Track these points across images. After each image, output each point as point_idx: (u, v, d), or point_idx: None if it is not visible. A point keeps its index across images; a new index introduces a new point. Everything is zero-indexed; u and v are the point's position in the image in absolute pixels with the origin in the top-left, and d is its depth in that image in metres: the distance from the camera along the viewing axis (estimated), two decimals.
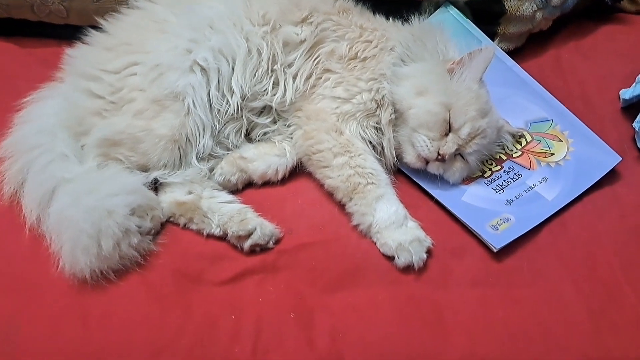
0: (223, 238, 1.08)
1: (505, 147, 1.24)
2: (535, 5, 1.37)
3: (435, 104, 1.11)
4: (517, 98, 1.29)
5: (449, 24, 1.31)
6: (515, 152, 1.24)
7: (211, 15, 1.17)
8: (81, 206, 1.00)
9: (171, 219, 1.11)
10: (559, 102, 1.28)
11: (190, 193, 1.12)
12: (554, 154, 1.23)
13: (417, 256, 1.04)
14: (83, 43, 1.21)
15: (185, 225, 1.10)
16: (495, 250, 1.07)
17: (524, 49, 1.45)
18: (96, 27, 1.22)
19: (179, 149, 1.12)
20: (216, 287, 1.03)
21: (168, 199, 1.12)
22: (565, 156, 1.23)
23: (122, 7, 1.26)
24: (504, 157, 1.23)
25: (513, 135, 1.24)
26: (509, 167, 1.22)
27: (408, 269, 1.05)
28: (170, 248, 1.06)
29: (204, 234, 1.08)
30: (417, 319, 1.01)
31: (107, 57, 1.16)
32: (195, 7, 1.18)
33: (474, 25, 1.33)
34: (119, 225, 0.99)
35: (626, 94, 1.30)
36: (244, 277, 1.04)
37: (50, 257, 1.01)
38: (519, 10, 1.36)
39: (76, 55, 1.21)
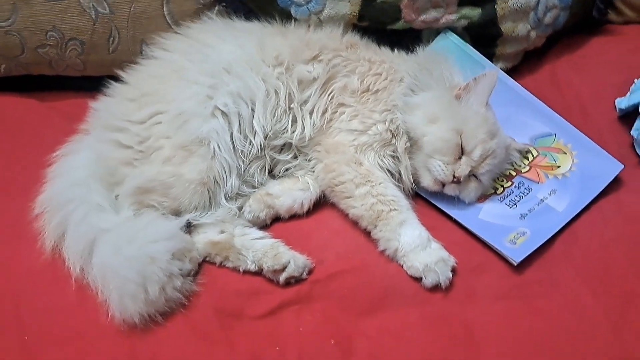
0: (259, 273, 1.13)
1: (514, 164, 1.30)
2: (529, 26, 1.45)
3: (447, 130, 1.18)
4: (520, 116, 1.35)
5: (450, 49, 1.38)
6: (524, 168, 1.30)
7: (228, 59, 1.23)
8: (123, 255, 1.06)
9: (207, 259, 1.16)
10: (560, 117, 1.35)
11: (222, 232, 1.17)
12: (559, 166, 1.30)
13: (443, 276, 1.10)
14: (105, 95, 1.27)
15: (221, 263, 1.15)
16: (515, 264, 1.13)
17: (520, 67, 1.53)
18: (115, 78, 1.28)
19: (208, 191, 1.17)
20: (257, 321, 1.08)
21: (202, 239, 1.16)
22: (570, 168, 1.29)
23: (138, 57, 1.33)
24: (514, 173, 1.30)
25: (520, 152, 1.30)
26: (519, 183, 1.28)
27: (435, 288, 1.10)
28: (210, 287, 1.11)
29: (240, 270, 1.13)
30: (448, 336, 1.06)
31: (131, 107, 1.22)
32: (210, 53, 1.24)
33: (474, 49, 1.40)
34: (162, 271, 1.04)
35: (622, 103, 1.38)
36: (282, 309, 1.09)
37: (98, 306, 1.06)
38: (514, 31, 1.44)
39: (100, 108, 1.27)
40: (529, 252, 1.14)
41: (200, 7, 1.41)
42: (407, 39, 1.37)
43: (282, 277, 1.11)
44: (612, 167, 1.27)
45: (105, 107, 1.26)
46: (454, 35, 1.42)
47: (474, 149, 1.18)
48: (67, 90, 1.49)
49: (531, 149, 1.32)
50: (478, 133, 1.18)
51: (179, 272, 1.08)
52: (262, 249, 1.13)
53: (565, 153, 1.32)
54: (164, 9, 1.40)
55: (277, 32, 1.31)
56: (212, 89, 1.20)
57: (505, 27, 1.43)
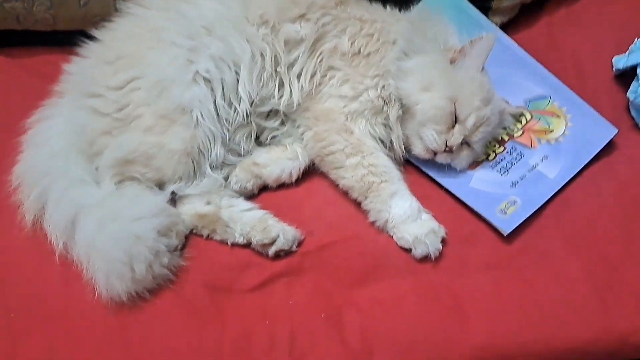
0: (247, 246, 1.11)
1: (507, 128, 1.27)
2: None
3: (441, 98, 1.13)
4: (515, 77, 1.31)
5: (445, 4, 1.31)
6: (517, 132, 1.27)
7: (209, 17, 1.15)
8: (108, 234, 1.02)
9: (194, 231, 1.13)
10: (556, 78, 1.31)
11: (208, 203, 1.14)
12: (552, 130, 1.27)
13: (433, 247, 1.09)
14: (79, 56, 1.19)
15: (208, 236, 1.12)
16: (505, 235, 1.13)
17: (516, 20, 1.46)
18: (87, 35, 1.20)
19: (193, 161, 1.13)
20: (247, 294, 1.07)
21: (188, 210, 1.13)
22: (564, 132, 1.26)
23: (111, 12, 1.24)
24: (506, 138, 1.27)
25: (514, 116, 1.27)
26: (512, 148, 1.25)
27: (425, 259, 1.10)
28: (198, 261, 1.10)
29: (229, 243, 1.11)
30: (438, 307, 1.07)
31: (107, 71, 1.14)
32: (189, 10, 1.16)
33: (469, 4, 1.33)
34: (149, 249, 1.02)
35: (620, 62, 1.33)
36: (273, 282, 1.08)
37: (84, 283, 1.04)
38: None
39: (74, 71, 1.19)
40: (519, 223, 1.13)
41: None
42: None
43: (272, 251, 1.09)
44: (606, 132, 1.24)
45: (79, 71, 1.18)
46: None
47: (468, 117, 1.15)
48: (37, 46, 1.39)
49: (525, 112, 1.29)
50: (472, 101, 1.14)
51: (166, 249, 1.05)
52: (250, 222, 1.11)
53: (559, 117, 1.29)
54: None
55: None
56: (192, 52, 1.13)
57: None
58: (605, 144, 1.23)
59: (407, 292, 1.08)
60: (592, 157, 1.22)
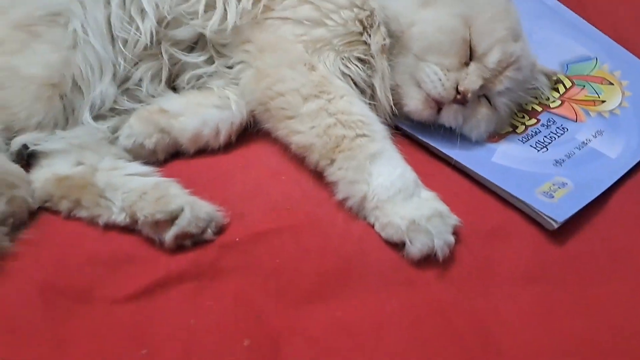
0: (131, 228, 0.70)
1: (540, 95, 0.91)
2: None
3: (449, 15, 0.81)
4: (547, 33, 1.00)
5: None
6: (553, 102, 0.91)
7: None
8: None
9: (47, 204, 0.73)
10: (602, 33, 1.00)
11: (79, 164, 0.75)
12: (604, 100, 0.94)
13: (440, 239, 0.69)
14: None
15: (70, 212, 0.73)
16: (555, 227, 0.73)
17: None
18: None
19: (62, 98, 0.77)
20: (118, 305, 0.65)
21: (44, 175, 0.74)
22: (621, 103, 0.94)
23: None
24: (539, 109, 0.90)
25: (548, 78, 0.91)
26: (548, 120, 0.90)
27: (427, 260, 0.70)
28: (41, 248, 0.69)
29: (100, 223, 0.72)
30: (445, 336, 0.65)
31: None
32: None
33: None
34: None
35: None
36: (165, 288, 0.67)
37: None
38: None
39: None
40: (576, 210, 0.76)
41: None
42: None
43: (170, 235, 0.69)
44: None
45: None
46: None
47: (490, 50, 0.80)
48: None
49: (562, 77, 0.93)
50: (496, 27, 0.81)
51: None
52: (139, 189, 0.72)
53: (612, 84, 0.96)
54: None
55: None
56: None
57: None
58: None
59: (395, 314, 0.67)
60: None
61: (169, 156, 0.81)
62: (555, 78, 0.94)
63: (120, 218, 0.70)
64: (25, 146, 0.75)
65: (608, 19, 1.09)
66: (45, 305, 0.63)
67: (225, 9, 0.81)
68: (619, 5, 1.12)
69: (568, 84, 0.95)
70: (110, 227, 0.71)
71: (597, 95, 0.94)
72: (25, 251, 0.67)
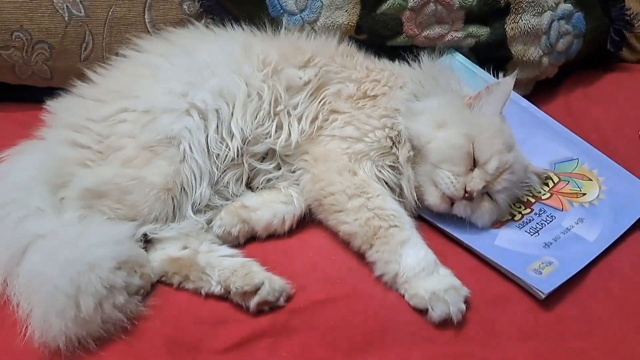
0: (225, 297, 0.92)
1: (533, 189, 1.13)
2: (540, 51, 1.33)
3: (457, 135, 1.02)
4: (537, 138, 1.20)
5: (457, 69, 1.25)
6: (544, 194, 1.13)
7: (208, 60, 1.09)
8: (58, 260, 0.85)
9: (163, 279, 0.95)
10: (582, 140, 1.20)
11: (185, 248, 0.97)
12: (585, 193, 1.13)
13: (454, 307, 0.89)
14: (66, 95, 1.12)
15: (180, 284, 0.94)
16: (543, 297, 0.93)
17: (533, 97, 1.39)
18: None
19: (173, 199, 0.99)
20: (219, 355, 0.86)
21: (160, 256, 0.96)
22: (598, 195, 1.12)
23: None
24: (532, 200, 1.12)
25: (539, 176, 1.13)
26: (540, 210, 1.10)
27: (445, 323, 0.90)
28: (163, 311, 0.90)
29: (202, 293, 0.93)
30: None
31: (95, 106, 1.06)
32: (191, 53, 1.11)
33: (483, 70, 1.27)
34: (102, 281, 0.83)
35: None
36: (252, 342, 0.88)
37: (15, 325, 0.83)
38: (525, 55, 1.32)
39: (59, 108, 1.10)
40: (559, 284, 0.95)
41: (186, 17, 1.29)
42: (408, 57, 1.24)
43: (254, 302, 0.90)
44: None
45: (65, 107, 1.10)
46: (461, 55, 1.30)
47: (489, 160, 1.01)
48: (29, 102, 1.33)
49: (551, 174, 1.16)
50: (494, 143, 1.02)
51: (124, 287, 0.86)
52: (230, 267, 0.93)
53: (590, 180, 1.15)
54: (146, 15, 1.28)
55: (266, 37, 1.18)
56: (190, 85, 1.05)
57: (516, 49, 1.31)
58: None
59: None
60: (635, 220, 1.07)
61: (246, 240, 1.03)
62: (545, 176, 1.14)
63: (217, 289, 0.91)
64: (145, 234, 0.97)
65: (592, 124, 1.31)
66: (169, 353, 0.85)
67: (289, 130, 1.07)
68: (602, 113, 1.34)
69: (556, 179, 1.15)
70: (209, 295, 0.92)
71: (579, 189, 1.13)
72: (152, 312, 0.88)
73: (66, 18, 1.26)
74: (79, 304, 0.81)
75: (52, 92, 1.26)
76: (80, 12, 1.26)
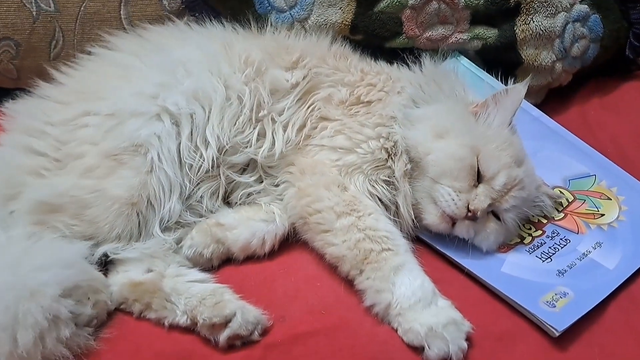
0: (191, 329, 0.82)
1: (544, 210, 1.01)
2: (553, 55, 1.22)
3: (459, 146, 0.91)
4: (550, 152, 1.10)
5: (462, 74, 1.14)
6: (557, 215, 1.02)
7: (183, 58, 0.98)
8: None
9: (122, 307, 0.85)
10: (599, 154, 1.10)
11: (149, 271, 0.87)
12: (603, 214, 1.02)
13: (454, 345, 0.78)
14: (27, 96, 1.01)
15: (141, 313, 0.84)
16: (556, 334, 0.82)
17: (544, 106, 1.28)
18: None
19: (138, 214, 0.89)
20: None
21: (120, 280, 0.86)
22: (618, 216, 1.02)
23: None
24: (544, 221, 1.01)
25: (551, 198, 1.01)
26: (553, 232, 0.99)
27: None
28: (118, 345, 0.80)
29: (166, 324, 0.83)
30: None
31: (56, 107, 0.95)
32: (165, 51, 1.00)
33: (490, 75, 1.16)
34: (44, 311, 0.73)
35: None
36: None
37: None
38: (537, 59, 1.21)
39: (18, 110, 1.00)
40: (575, 319, 0.83)
41: (166, 13, 1.19)
42: (409, 60, 1.13)
43: (224, 336, 0.80)
44: None
45: (24, 109, 0.99)
46: (466, 59, 1.19)
47: (496, 174, 0.91)
48: None
49: (565, 193, 1.05)
50: (501, 155, 0.92)
51: (71, 317, 0.75)
52: (199, 295, 0.83)
53: (609, 198, 1.04)
54: (122, 11, 1.17)
55: (250, 35, 1.07)
56: (162, 87, 0.94)
57: (526, 53, 1.20)
58: None
59: None
60: None
61: (221, 262, 0.92)
62: (559, 201, 1.03)
63: (182, 320, 0.81)
64: (105, 254, 0.87)
65: (609, 136, 1.20)
66: None
67: (273, 138, 0.96)
68: (621, 125, 1.24)
69: (570, 198, 1.04)
70: (174, 326, 0.81)
71: (596, 209, 1.02)
72: (105, 347, 0.78)
73: (34, 13, 1.16)
74: (15, 338, 0.71)
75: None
76: (50, 7, 1.16)
